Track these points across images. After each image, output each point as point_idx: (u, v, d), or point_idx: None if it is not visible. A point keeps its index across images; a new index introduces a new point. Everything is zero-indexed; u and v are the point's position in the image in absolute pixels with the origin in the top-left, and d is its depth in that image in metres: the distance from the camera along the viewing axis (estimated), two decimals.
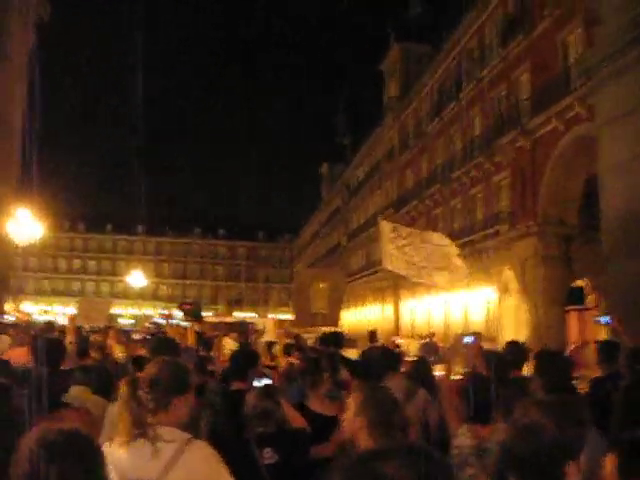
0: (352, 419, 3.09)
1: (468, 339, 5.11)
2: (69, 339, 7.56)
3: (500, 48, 26.18)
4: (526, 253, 23.43)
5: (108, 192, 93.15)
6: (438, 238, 7.65)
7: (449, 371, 4.83)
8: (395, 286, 40.51)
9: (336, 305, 11.92)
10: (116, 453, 2.59)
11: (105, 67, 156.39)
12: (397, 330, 38.87)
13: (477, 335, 5.34)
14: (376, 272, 43.90)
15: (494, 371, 4.30)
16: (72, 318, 9.08)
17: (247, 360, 5.04)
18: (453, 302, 30.89)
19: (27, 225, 23.91)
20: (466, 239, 28.50)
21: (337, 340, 8.10)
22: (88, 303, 11.71)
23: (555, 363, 3.94)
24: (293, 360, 7.96)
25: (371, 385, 3.64)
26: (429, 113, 36.04)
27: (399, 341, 20.68)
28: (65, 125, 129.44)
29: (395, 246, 7.52)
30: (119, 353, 8.60)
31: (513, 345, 5.69)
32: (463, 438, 3.57)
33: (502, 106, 26.51)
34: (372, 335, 13.33)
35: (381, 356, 5.48)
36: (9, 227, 23.21)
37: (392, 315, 41.43)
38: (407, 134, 40.48)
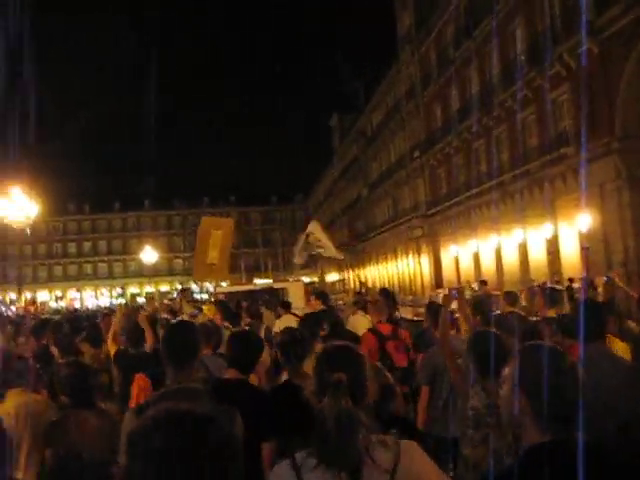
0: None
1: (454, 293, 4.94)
2: None
3: None
4: (604, 177, 19.91)
5: (110, 170, 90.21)
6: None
7: (446, 328, 4.59)
8: (433, 234, 37.06)
9: (224, 255, 10.99)
10: None
11: (115, 42, 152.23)
12: (439, 282, 35.55)
13: (459, 290, 5.27)
14: (410, 220, 40.47)
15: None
16: None
17: None
18: (507, 244, 27.47)
19: (21, 205, 22.41)
20: (519, 170, 25.00)
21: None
22: None
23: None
24: None
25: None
26: (456, 37, 32.11)
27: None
28: (60, 108, 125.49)
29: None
30: None
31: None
32: (477, 398, 3.56)
33: (555, 9, 22.61)
34: (385, 292, 9.57)
35: None
36: (2, 208, 21.79)
37: (430, 266, 38.04)
38: (430, 66, 36.55)
